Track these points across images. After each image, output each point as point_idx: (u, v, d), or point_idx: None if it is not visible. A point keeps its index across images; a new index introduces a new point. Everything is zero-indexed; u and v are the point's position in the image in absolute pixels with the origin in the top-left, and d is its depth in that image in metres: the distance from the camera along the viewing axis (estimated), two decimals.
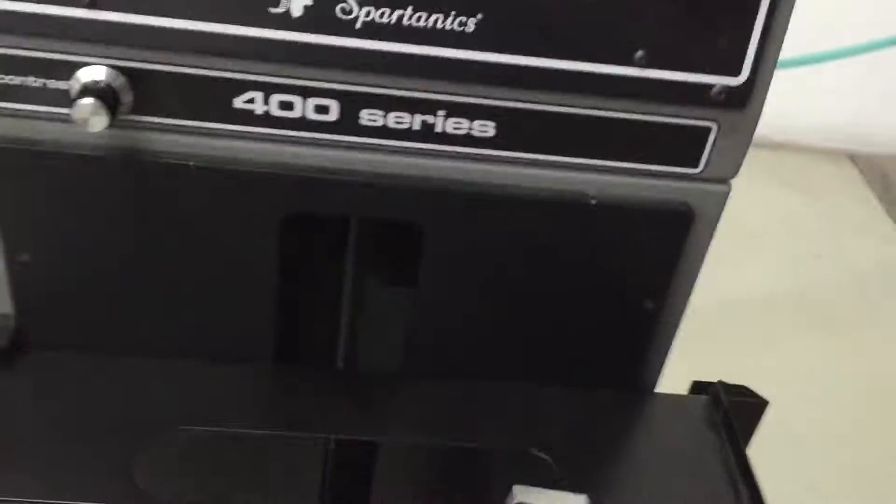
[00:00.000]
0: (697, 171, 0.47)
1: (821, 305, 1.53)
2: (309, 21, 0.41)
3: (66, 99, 0.42)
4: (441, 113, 0.45)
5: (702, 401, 0.54)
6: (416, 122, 0.45)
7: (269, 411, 0.51)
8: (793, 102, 1.99)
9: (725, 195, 0.48)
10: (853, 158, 2.01)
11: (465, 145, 0.46)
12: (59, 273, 0.49)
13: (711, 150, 0.47)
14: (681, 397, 0.55)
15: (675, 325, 0.53)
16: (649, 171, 0.47)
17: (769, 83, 0.45)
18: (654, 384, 0.55)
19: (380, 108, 0.45)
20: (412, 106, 0.45)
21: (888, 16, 1.50)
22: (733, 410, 0.51)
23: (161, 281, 0.49)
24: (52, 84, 0.43)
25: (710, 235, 0.50)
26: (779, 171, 1.91)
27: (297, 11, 0.41)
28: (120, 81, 0.42)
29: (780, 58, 1.27)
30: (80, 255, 0.48)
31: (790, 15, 0.43)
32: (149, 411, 0.48)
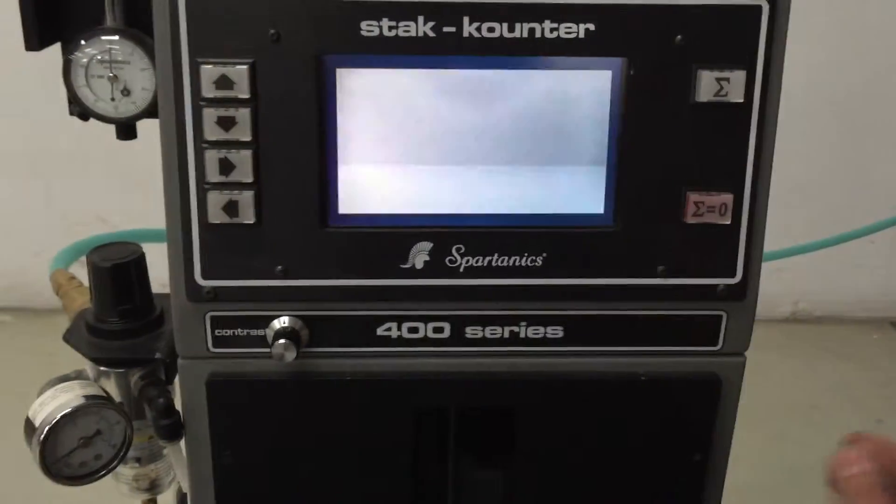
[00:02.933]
0: (718, 347, 0.61)
1: None
2: (427, 271, 0.57)
3: (265, 342, 0.58)
4: (523, 324, 0.60)
5: None
6: (506, 332, 0.60)
7: None
8: (828, 279, 2.09)
9: (742, 364, 0.62)
10: (895, 324, 2.08)
11: (543, 345, 0.61)
12: (253, 468, 0.62)
13: (725, 332, 0.61)
14: None
15: (723, 474, 0.64)
16: (681, 351, 0.61)
17: (759, 279, 0.59)
18: None
19: (479, 325, 0.60)
20: (502, 321, 0.60)
21: None
22: None
23: (329, 465, 0.62)
24: (255, 332, 0.58)
25: (737, 397, 0.62)
26: (826, 343, 1.96)
27: (419, 265, 0.57)
28: (300, 325, 0.58)
29: (807, 242, 1.44)
30: (271, 452, 0.62)
31: (764, 231, 0.58)
32: None
